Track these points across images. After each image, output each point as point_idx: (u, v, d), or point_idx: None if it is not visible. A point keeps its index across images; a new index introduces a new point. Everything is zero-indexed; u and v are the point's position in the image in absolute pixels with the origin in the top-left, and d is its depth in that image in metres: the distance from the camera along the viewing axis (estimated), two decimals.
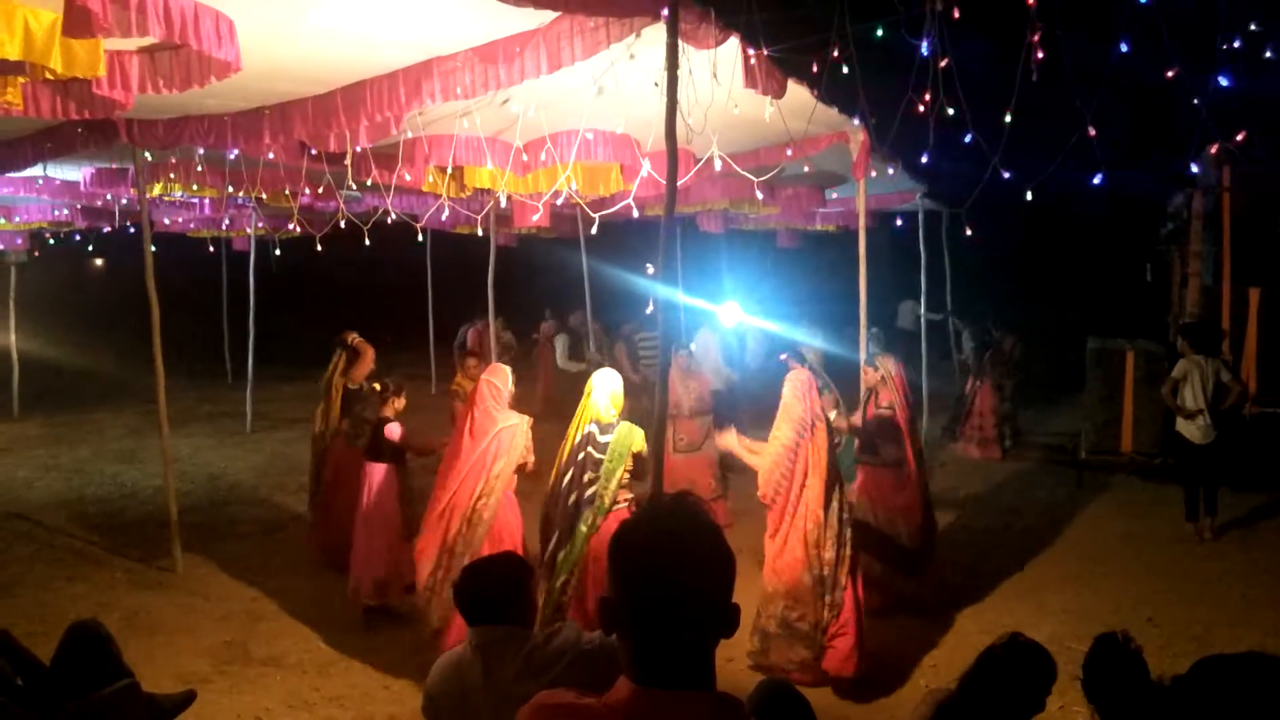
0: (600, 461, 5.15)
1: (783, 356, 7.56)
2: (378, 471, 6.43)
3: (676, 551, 1.50)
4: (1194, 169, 9.58)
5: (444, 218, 10.83)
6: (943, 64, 4.17)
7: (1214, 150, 9.32)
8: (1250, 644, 5.51)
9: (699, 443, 8.54)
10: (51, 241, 15.30)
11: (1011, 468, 10.67)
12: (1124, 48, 4.07)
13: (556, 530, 5.26)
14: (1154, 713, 2.44)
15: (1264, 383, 9.45)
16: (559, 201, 8.45)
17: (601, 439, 5.19)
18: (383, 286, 22.70)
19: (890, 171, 8.07)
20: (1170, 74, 4.18)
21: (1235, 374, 8.47)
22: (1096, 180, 4.62)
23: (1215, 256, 9.99)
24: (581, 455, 5.20)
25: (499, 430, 5.33)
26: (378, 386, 6.55)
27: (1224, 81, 4.08)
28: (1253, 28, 4.11)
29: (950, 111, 4.47)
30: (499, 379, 5.43)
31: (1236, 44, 4.04)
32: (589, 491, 5.15)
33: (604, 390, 5.28)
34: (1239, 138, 4.64)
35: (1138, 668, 2.88)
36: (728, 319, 13.15)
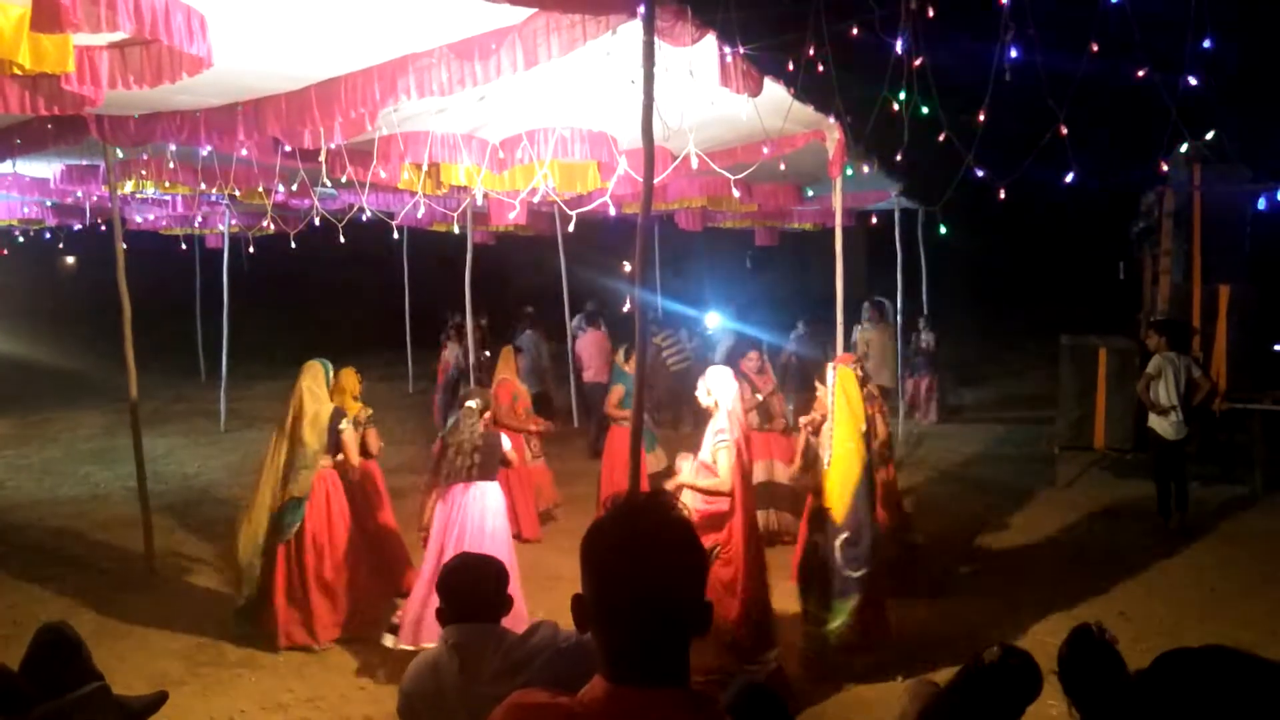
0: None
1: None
2: (494, 491, 6.02)
3: (647, 549, 1.50)
4: (1165, 168, 9.69)
5: (420, 215, 10.77)
6: (917, 63, 4.19)
7: (1185, 149, 9.44)
8: (1219, 637, 5.56)
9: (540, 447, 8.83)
10: (21, 239, 15.07)
11: (986, 465, 10.75)
12: (1095, 47, 4.11)
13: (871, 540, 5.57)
14: (1127, 705, 2.46)
15: (1233, 379, 9.58)
16: (536, 199, 8.42)
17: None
18: (358, 284, 22.57)
19: (866, 170, 8.10)
20: (1142, 74, 4.22)
21: (1205, 371, 8.59)
22: (1069, 179, 4.66)
23: (1186, 254, 10.12)
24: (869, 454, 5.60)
25: None
26: (473, 404, 6.07)
27: (1194, 81, 4.13)
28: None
29: (925, 111, 4.51)
30: None
31: (1207, 44, 4.09)
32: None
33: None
34: (1209, 137, 4.70)
35: (1112, 660, 2.91)
36: (710, 324, 13.34)
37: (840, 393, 5.57)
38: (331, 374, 6.27)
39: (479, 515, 5.88)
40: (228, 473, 10.73)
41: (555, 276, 14.18)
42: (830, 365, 5.82)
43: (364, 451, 6.49)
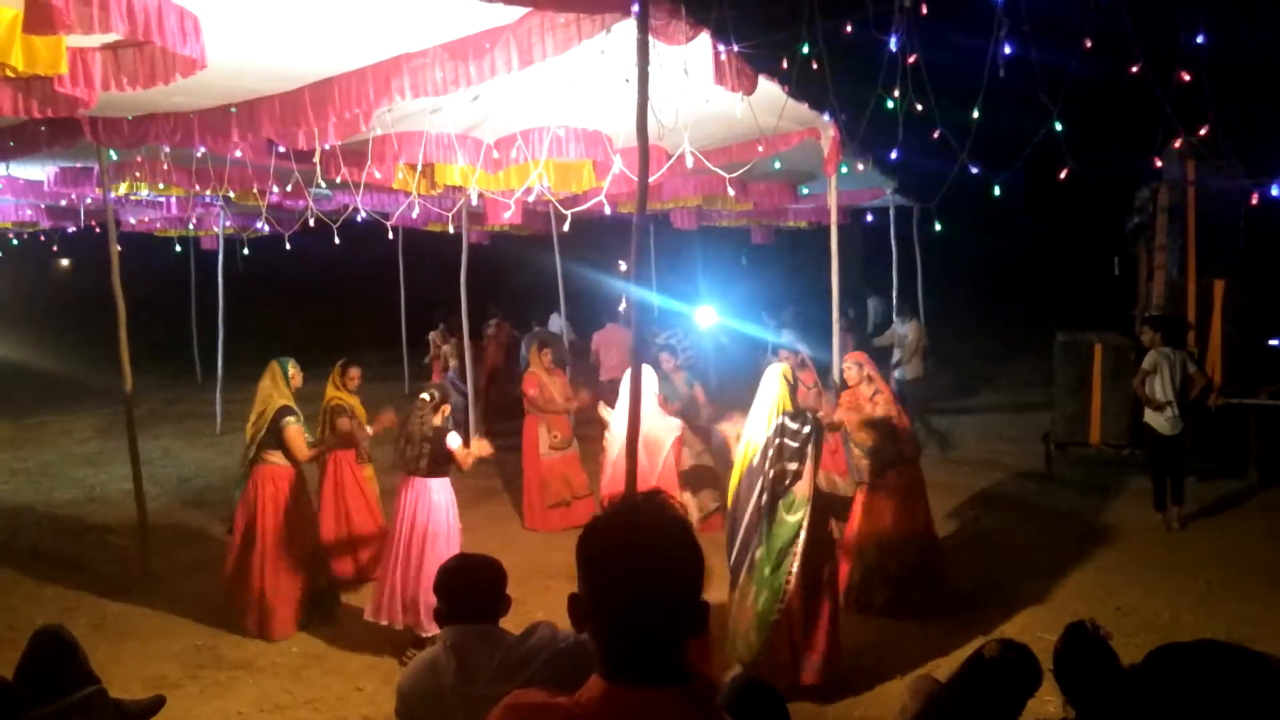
0: (798, 450, 5.21)
1: (783, 355, 7.66)
2: (441, 488, 5.98)
3: (643, 548, 1.50)
4: (1159, 163, 9.70)
5: (415, 215, 10.76)
6: (911, 60, 4.20)
7: (1178, 144, 9.45)
8: (1215, 632, 5.59)
9: (570, 439, 8.75)
10: (15, 242, 15.06)
11: (981, 461, 10.76)
12: (1089, 43, 4.12)
13: (745, 526, 5.21)
14: (1121, 700, 2.47)
15: (1228, 374, 9.60)
16: (531, 199, 8.43)
17: (793, 426, 5.24)
18: (354, 285, 22.53)
19: (861, 167, 8.11)
20: (1135, 69, 4.23)
21: (1200, 366, 8.60)
22: (1063, 175, 4.67)
23: (1180, 249, 10.14)
24: (779, 442, 5.21)
25: None
26: (426, 397, 5.97)
27: (1187, 76, 4.14)
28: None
29: (919, 108, 4.51)
30: None
31: (1200, 39, 4.10)
32: (787, 481, 5.20)
33: (790, 380, 5.42)
34: (1203, 132, 4.70)
35: (1106, 656, 2.93)
36: (703, 321, 13.33)
37: (764, 388, 5.40)
38: (291, 370, 6.45)
39: (426, 512, 5.85)
40: (224, 475, 10.69)
41: (551, 276, 14.17)
42: (777, 362, 5.74)
43: (343, 443, 6.92)
